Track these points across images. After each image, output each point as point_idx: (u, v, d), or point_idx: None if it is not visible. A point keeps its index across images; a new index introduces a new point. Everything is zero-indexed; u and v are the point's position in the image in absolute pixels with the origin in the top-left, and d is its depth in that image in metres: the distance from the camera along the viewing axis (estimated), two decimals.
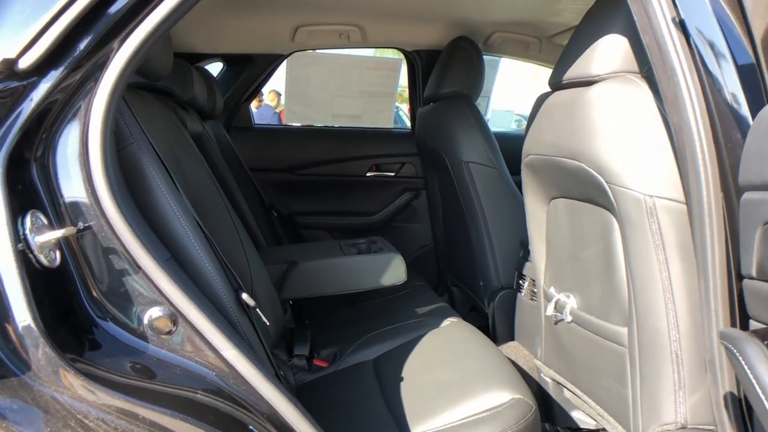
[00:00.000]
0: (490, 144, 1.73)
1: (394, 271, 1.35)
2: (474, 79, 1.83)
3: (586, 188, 1.05)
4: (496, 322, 1.80)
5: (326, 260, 1.32)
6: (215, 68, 2.16)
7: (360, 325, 1.44)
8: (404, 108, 4.43)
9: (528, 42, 2.17)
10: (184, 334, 0.59)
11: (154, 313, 0.59)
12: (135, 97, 0.91)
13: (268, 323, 0.80)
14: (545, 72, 2.28)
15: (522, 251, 1.74)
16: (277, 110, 5.75)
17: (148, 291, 0.58)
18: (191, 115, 1.40)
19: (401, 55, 2.29)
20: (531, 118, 1.21)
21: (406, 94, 2.45)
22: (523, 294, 1.69)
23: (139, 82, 1.09)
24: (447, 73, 1.84)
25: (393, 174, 2.39)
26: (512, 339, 1.80)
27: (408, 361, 1.19)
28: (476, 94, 1.86)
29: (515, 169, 1.92)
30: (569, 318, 1.20)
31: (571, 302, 1.21)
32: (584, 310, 1.16)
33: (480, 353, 1.17)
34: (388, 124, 2.42)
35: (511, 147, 1.83)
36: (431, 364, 1.16)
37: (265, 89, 6.21)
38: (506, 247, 1.76)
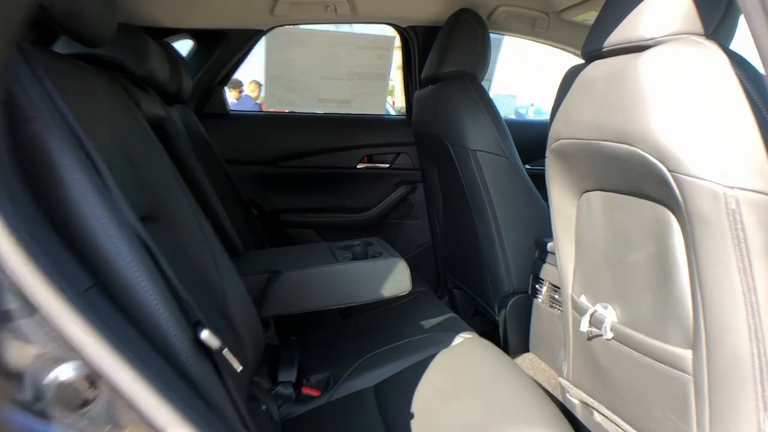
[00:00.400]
0: (501, 130, 1.55)
1: (397, 280, 1.16)
2: (479, 56, 1.64)
3: (636, 178, 0.87)
4: (508, 331, 1.63)
5: (315, 269, 1.13)
6: (185, 47, 1.95)
7: (357, 342, 1.26)
8: (390, 99, 4.23)
9: (535, 18, 1.99)
10: (108, 406, 0.39)
11: (60, 374, 0.39)
12: (64, 65, 0.71)
13: (239, 369, 0.61)
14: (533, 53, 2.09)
15: (537, 251, 1.57)
16: (259, 101, 5.51)
17: (49, 341, 0.38)
18: (150, 96, 1.19)
19: (395, 33, 2.10)
20: (560, 96, 1.03)
21: (392, 85, 2.25)
22: (540, 300, 1.51)
23: (78, 52, 0.89)
24: (449, 50, 1.65)
25: (387, 165, 2.20)
26: (527, 350, 1.63)
27: (418, 389, 1.01)
28: (482, 74, 1.68)
29: (525, 159, 1.76)
30: (609, 334, 1.02)
31: (611, 315, 1.04)
32: (629, 326, 0.99)
33: (506, 380, 1.00)
34: (380, 110, 2.22)
35: (518, 135, 1.65)
36: (447, 394, 0.98)
37: (245, 79, 5.96)
38: (519, 246, 1.59)
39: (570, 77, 1.00)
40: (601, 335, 1.05)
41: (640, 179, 0.87)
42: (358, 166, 2.17)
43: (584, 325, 1.08)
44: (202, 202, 1.31)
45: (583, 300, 1.14)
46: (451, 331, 1.24)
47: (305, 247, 1.42)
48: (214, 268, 0.97)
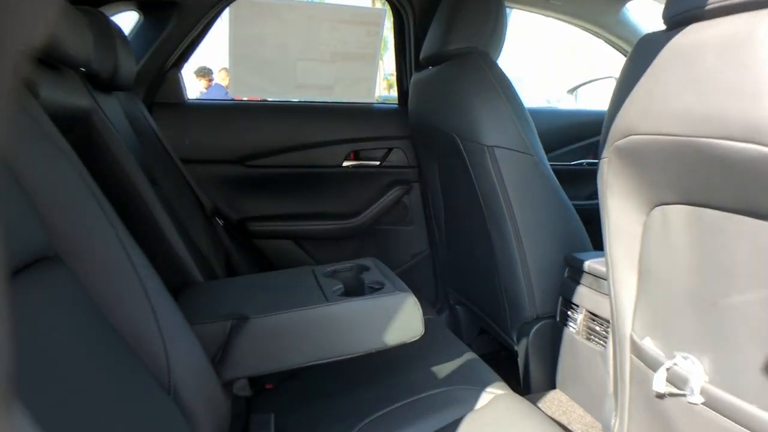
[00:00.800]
0: (524, 121, 1.29)
1: (407, 323, 0.89)
2: (494, 30, 1.38)
3: (757, 193, 0.62)
4: (530, 364, 1.38)
5: (296, 312, 0.86)
6: (128, 22, 1.63)
7: (352, 397, 1.00)
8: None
9: None
10: None
11: None
12: None
13: None
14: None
15: (568, 270, 1.32)
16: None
17: None
18: (64, 79, 0.89)
19: (386, 5, 1.82)
20: (631, 75, 0.77)
21: (390, 74, 1.96)
22: (574, 330, 1.27)
23: None
24: (456, 22, 1.38)
25: (377, 163, 1.92)
26: (553, 387, 1.39)
27: None
28: (496, 52, 1.41)
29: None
30: (698, 398, 0.78)
31: (698, 371, 0.79)
32: (728, 389, 0.74)
33: None
34: (369, 97, 1.94)
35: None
36: None
37: (215, 66, 5.59)
38: (545, 263, 1.34)
39: (648, 48, 0.74)
40: (683, 396, 0.80)
41: (763, 193, 0.62)
42: (343, 165, 1.89)
43: (659, 384, 0.83)
44: (142, 222, 1.03)
45: (648, 345, 0.89)
46: (476, 384, 0.98)
47: (282, 273, 1.14)
48: (152, 323, 0.69)
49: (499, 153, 1.28)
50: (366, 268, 1.12)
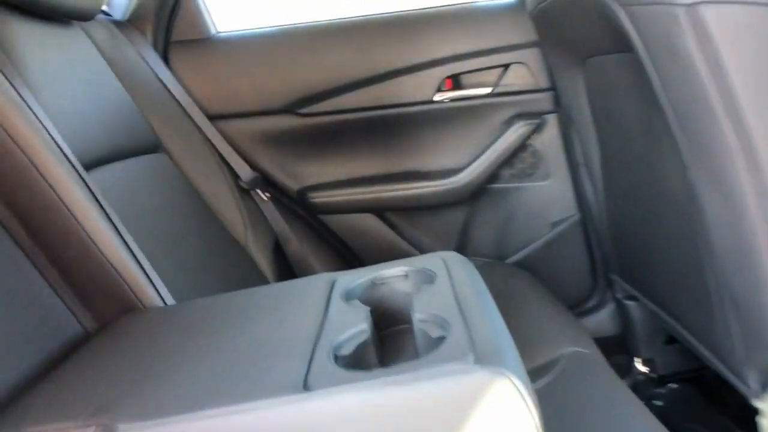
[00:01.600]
0: None
1: None
2: None
3: None
4: None
5: (217, 418, 0.36)
6: None
7: None
8: None
9: None
10: None
11: None
12: None
13: None
14: None
15: None
16: None
17: None
18: None
19: None
20: None
21: None
22: None
23: None
24: None
25: (488, 90, 1.33)
26: None
27: None
28: None
29: None
30: None
31: None
32: None
33: None
34: None
35: None
36: None
37: None
38: None
39: None
40: None
41: None
42: (434, 99, 1.33)
43: None
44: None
45: None
46: None
47: (268, 292, 0.65)
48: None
49: (712, 12, 0.62)
50: (429, 277, 0.58)
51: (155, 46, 1.25)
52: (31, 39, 0.85)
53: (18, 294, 0.63)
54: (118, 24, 1.16)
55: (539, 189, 1.37)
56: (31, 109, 0.69)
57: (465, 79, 1.34)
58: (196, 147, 1.18)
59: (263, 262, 1.19)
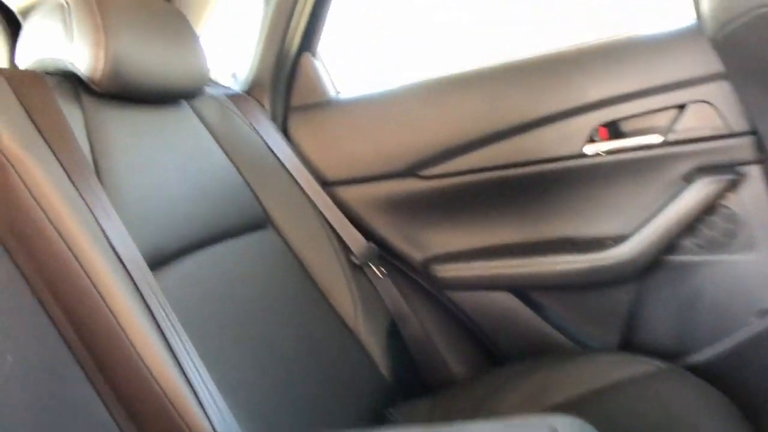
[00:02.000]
0: None
1: None
2: None
3: None
4: None
5: None
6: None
7: None
8: None
9: None
10: None
11: None
12: None
13: None
14: None
15: None
16: None
17: None
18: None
19: None
20: None
21: None
22: None
23: None
24: None
25: (659, 138, 1.06)
26: None
27: None
28: None
29: None
30: None
31: None
32: None
33: None
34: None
35: None
36: None
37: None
38: None
39: None
40: None
41: None
42: (586, 151, 1.10)
43: None
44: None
45: None
46: None
47: None
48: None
49: None
50: None
51: (273, 114, 1.22)
52: (129, 123, 0.84)
53: (65, 399, 0.58)
54: (233, 96, 1.16)
55: (738, 264, 1.04)
56: (89, 207, 0.65)
57: (625, 126, 1.09)
58: (306, 220, 1.10)
59: (375, 347, 1.05)
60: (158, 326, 0.63)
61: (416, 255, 1.24)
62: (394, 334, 1.13)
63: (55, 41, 0.82)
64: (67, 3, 0.80)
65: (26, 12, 1.10)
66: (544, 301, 1.19)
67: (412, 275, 1.25)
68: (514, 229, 1.19)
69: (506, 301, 1.19)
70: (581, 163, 1.10)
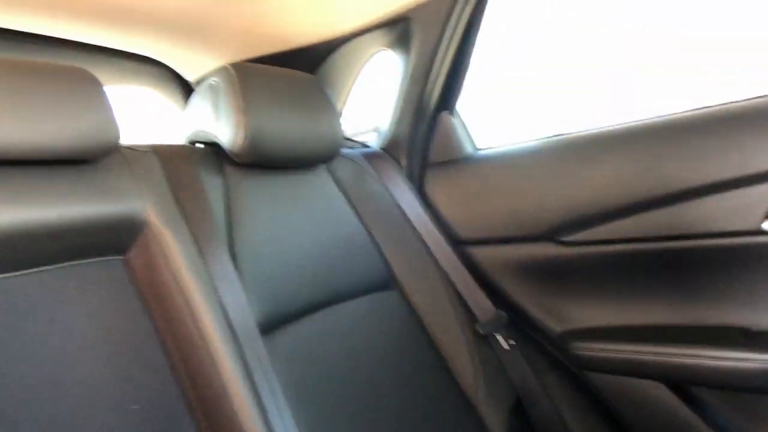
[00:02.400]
0: None
1: None
2: None
3: None
4: None
5: None
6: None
7: None
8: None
9: None
10: None
11: None
12: None
13: None
14: None
15: None
16: None
17: None
18: None
19: None
20: None
21: None
22: None
23: None
24: None
25: None
26: None
27: None
28: None
29: None
30: None
31: None
32: None
33: None
34: None
35: None
36: None
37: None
38: None
39: None
40: None
41: None
42: (765, 228, 0.92)
43: None
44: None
45: None
46: None
47: None
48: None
49: None
50: None
51: (410, 172, 1.24)
52: (266, 189, 0.93)
53: None
54: (369, 154, 1.20)
55: None
56: (212, 278, 0.72)
57: None
58: (432, 282, 1.09)
59: (496, 424, 1.00)
60: (256, 391, 0.68)
61: (553, 327, 1.15)
62: (519, 412, 1.06)
63: (206, 116, 0.94)
64: (215, 82, 0.92)
65: (199, 83, 1.28)
66: (704, 398, 1.02)
67: (547, 347, 1.17)
68: (670, 310, 1.05)
69: (657, 392, 1.04)
70: (758, 242, 0.93)
